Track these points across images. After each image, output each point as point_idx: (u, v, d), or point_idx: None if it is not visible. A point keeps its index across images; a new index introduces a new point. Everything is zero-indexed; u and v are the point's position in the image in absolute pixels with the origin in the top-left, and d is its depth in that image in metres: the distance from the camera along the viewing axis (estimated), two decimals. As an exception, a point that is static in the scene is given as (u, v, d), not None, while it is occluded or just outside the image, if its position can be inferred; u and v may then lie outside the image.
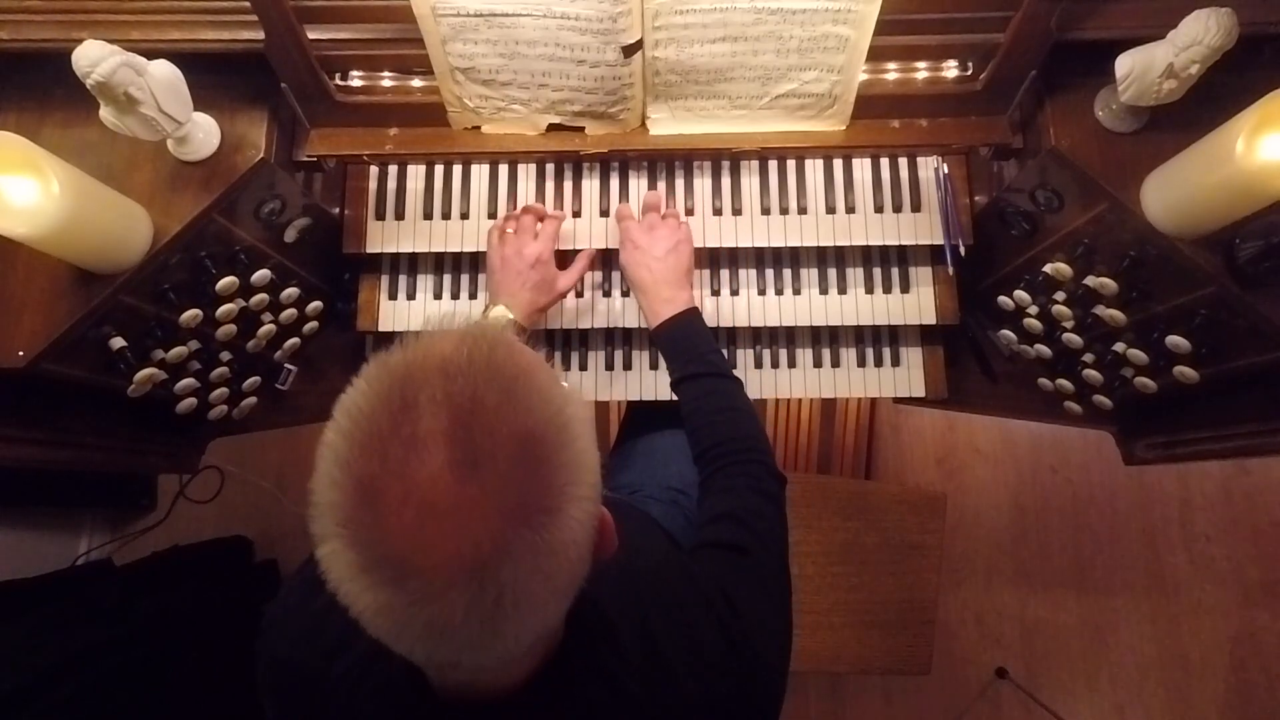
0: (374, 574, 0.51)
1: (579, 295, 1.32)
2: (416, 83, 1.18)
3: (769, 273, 1.33)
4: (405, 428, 0.51)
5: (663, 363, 1.29)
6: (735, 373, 1.11)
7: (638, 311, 1.27)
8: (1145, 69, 0.94)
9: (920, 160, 1.27)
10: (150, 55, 0.92)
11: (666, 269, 1.17)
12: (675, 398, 1.13)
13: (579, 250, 1.27)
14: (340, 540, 0.51)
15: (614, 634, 0.71)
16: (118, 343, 1.06)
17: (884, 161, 1.27)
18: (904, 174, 1.26)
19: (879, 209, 1.26)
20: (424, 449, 0.51)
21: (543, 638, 0.62)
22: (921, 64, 1.18)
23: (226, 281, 1.11)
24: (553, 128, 1.20)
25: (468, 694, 0.64)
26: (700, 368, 1.10)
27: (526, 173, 1.28)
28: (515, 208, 1.26)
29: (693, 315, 1.15)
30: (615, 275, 1.32)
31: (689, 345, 1.12)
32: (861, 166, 1.27)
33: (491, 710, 0.64)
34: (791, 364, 1.38)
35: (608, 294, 1.32)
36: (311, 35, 1.05)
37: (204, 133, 1.03)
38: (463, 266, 1.33)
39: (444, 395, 0.52)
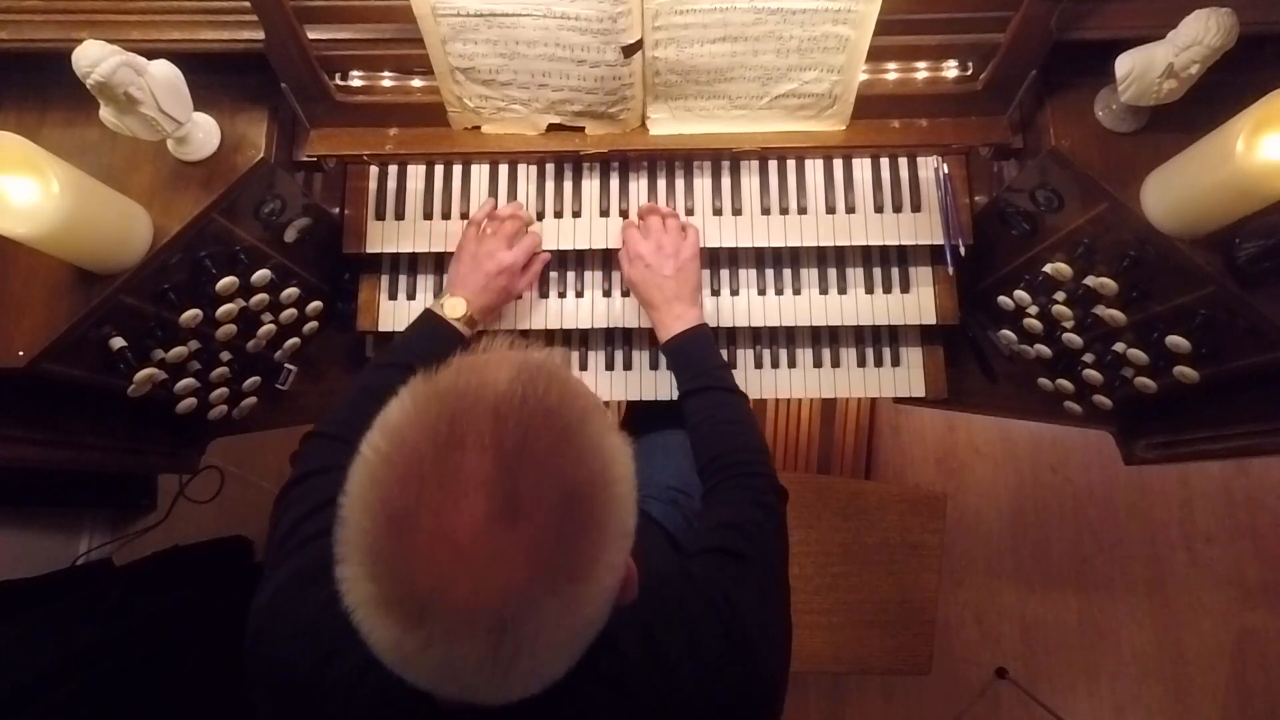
0: (394, 611, 0.50)
1: (579, 295, 1.32)
2: (416, 83, 1.18)
3: (769, 273, 1.33)
4: (448, 466, 0.50)
5: (663, 362, 1.31)
6: (735, 374, 1.12)
7: (638, 311, 1.28)
8: (1145, 69, 0.94)
9: (920, 160, 1.27)
10: (150, 55, 0.92)
11: (678, 286, 1.18)
12: (675, 398, 1.15)
13: (579, 251, 1.27)
14: (364, 569, 0.51)
15: (614, 639, 0.71)
16: (118, 343, 1.06)
17: (884, 161, 1.27)
18: (904, 174, 1.26)
19: (879, 209, 1.26)
20: (464, 494, 0.49)
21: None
22: (921, 64, 1.18)
23: (226, 281, 1.11)
24: (553, 128, 1.20)
25: (467, 704, 0.64)
26: (709, 381, 1.12)
27: (526, 173, 1.28)
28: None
29: (703, 329, 1.17)
30: (615, 275, 1.31)
31: (699, 359, 1.14)
32: (861, 166, 1.27)
33: (490, 716, 0.64)
34: (791, 364, 1.38)
35: (608, 294, 1.32)
36: (311, 35, 1.05)
37: (204, 133, 1.03)
38: (463, 266, 1.33)
39: (492, 439, 0.51)
